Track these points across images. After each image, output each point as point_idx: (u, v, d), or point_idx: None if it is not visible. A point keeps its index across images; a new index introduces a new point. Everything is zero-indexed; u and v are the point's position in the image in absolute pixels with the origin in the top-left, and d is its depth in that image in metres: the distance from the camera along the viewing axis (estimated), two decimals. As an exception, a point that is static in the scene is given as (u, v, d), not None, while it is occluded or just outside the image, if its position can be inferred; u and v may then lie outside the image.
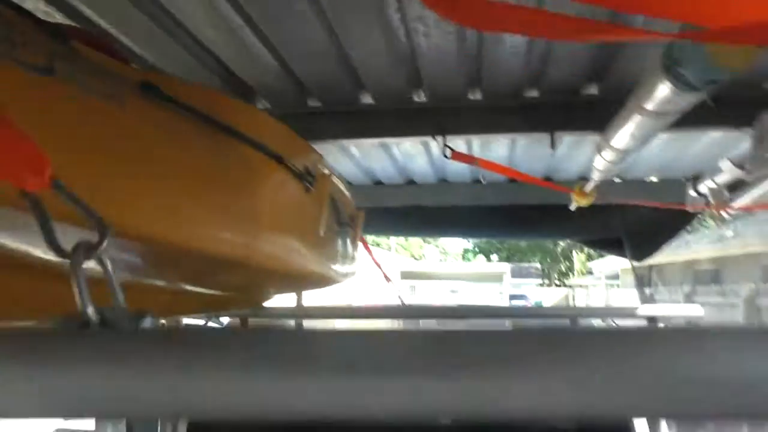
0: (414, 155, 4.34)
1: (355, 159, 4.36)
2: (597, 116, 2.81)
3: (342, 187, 2.65)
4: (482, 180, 4.69)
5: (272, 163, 1.63)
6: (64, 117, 0.87)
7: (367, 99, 3.20)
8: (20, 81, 0.82)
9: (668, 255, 21.18)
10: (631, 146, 2.44)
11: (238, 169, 1.49)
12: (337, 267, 2.61)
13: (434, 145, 3.30)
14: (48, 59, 0.91)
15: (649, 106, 1.96)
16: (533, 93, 3.01)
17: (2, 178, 0.59)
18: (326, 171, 2.19)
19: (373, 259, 4.32)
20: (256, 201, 1.55)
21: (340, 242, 2.61)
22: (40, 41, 0.94)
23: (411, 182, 5.12)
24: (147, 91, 1.16)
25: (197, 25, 2.40)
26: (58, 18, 2.22)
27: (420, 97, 3.17)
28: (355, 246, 3.03)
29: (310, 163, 1.97)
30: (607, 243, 4.81)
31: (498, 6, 0.78)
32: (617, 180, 4.38)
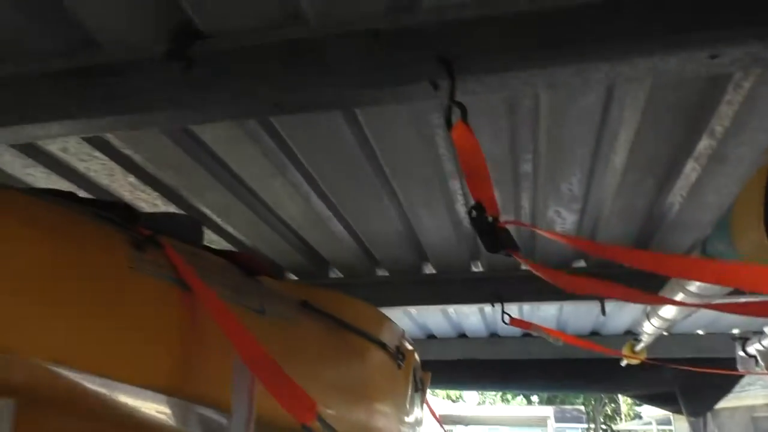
0: (468, 314, 4.66)
1: (411, 316, 4.69)
2: (643, 283, 3.09)
3: (417, 356, 2.93)
4: (532, 334, 4.90)
5: (377, 348, 1.95)
6: (277, 349, 1.21)
7: (429, 269, 3.57)
8: (256, 326, 1.17)
9: (724, 400, 20.10)
10: (678, 316, 2.70)
11: (358, 356, 1.81)
12: (412, 428, 2.82)
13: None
14: (259, 301, 1.27)
15: (692, 288, 2.25)
16: (582, 263, 3.34)
17: (294, 415, 0.90)
18: (410, 347, 2.48)
19: (433, 413, 4.45)
20: (369, 382, 1.84)
21: (416, 405, 2.84)
22: (251, 287, 1.31)
23: (463, 336, 5.38)
24: (306, 307, 1.52)
25: (293, 216, 2.84)
26: (165, 207, 2.66)
27: (478, 267, 3.52)
28: (422, 406, 3.24)
29: (399, 341, 2.28)
30: (660, 397, 4.87)
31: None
32: (665, 333, 4.57)
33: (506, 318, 3.35)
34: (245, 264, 1.44)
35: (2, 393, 0.87)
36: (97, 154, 2.21)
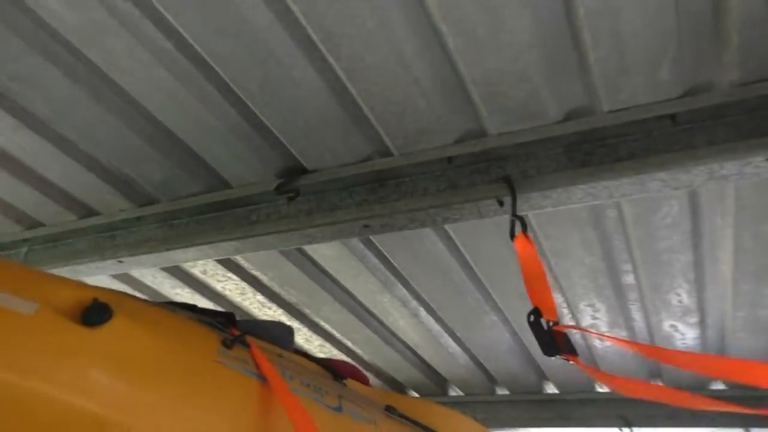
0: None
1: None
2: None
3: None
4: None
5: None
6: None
7: (551, 389, 3.47)
8: (330, 421, 1.31)
9: None
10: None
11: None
12: None
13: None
14: (338, 400, 1.41)
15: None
16: (720, 386, 3.08)
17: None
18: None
19: None
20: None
21: None
22: (332, 387, 1.46)
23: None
24: (389, 412, 1.63)
25: (405, 332, 2.98)
26: (290, 323, 2.91)
27: (603, 387, 3.37)
28: None
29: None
30: None
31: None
32: None
33: (636, 444, 3.13)
34: (332, 368, 1.61)
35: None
36: (231, 275, 2.56)
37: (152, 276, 2.63)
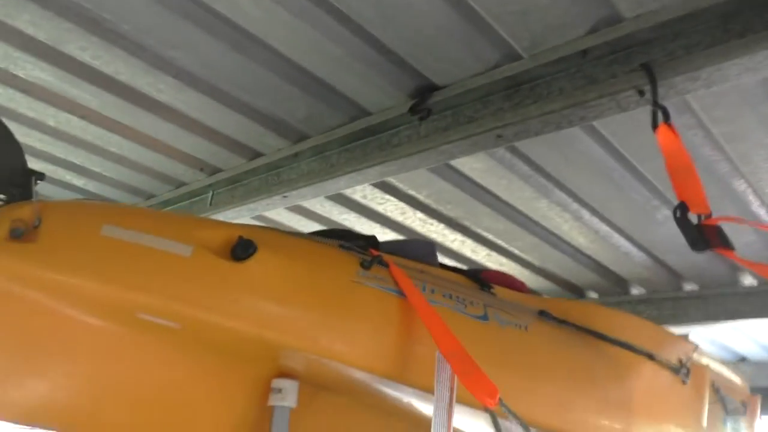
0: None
1: (749, 335, 4.14)
2: None
3: (728, 373, 2.65)
4: None
5: (644, 359, 1.90)
6: (495, 350, 1.38)
7: (749, 280, 3.18)
8: (473, 330, 1.36)
9: None
10: None
11: (614, 367, 1.81)
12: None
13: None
14: (483, 309, 1.46)
15: None
16: None
17: (477, 398, 1.08)
18: (704, 361, 2.30)
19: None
20: (632, 394, 1.82)
21: (727, 428, 2.57)
22: (478, 297, 1.50)
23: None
24: (543, 316, 1.64)
25: (570, 235, 2.89)
26: (453, 236, 2.98)
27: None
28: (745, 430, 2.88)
29: (684, 355, 2.15)
30: None
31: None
32: None
33: None
34: (479, 278, 1.64)
35: (289, 376, 1.26)
36: (389, 197, 2.67)
37: (320, 205, 2.84)
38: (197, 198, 2.82)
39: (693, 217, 1.27)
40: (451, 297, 1.41)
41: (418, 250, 1.57)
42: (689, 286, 3.40)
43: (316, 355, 1.16)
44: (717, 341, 4.40)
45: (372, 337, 1.21)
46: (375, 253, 1.38)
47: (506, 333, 1.47)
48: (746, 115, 1.83)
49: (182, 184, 2.87)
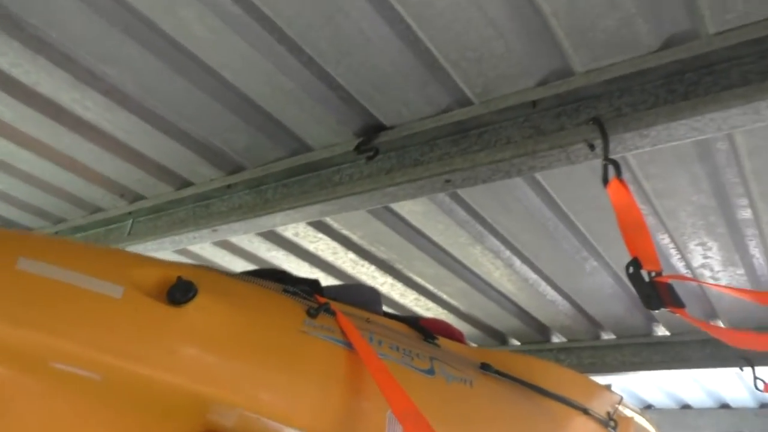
0: (726, 380, 4.12)
1: (660, 383, 4.31)
2: None
3: (647, 424, 2.70)
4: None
5: (579, 413, 1.89)
6: (442, 408, 1.31)
7: (662, 331, 3.30)
8: (420, 385, 1.29)
9: None
10: None
11: (552, 421, 1.79)
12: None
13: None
14: (429, 363, 1.39)
15: None
16: None
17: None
18: (628, 413, 2.33)
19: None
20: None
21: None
22: (423, 349, 1.43)
23: (725, 406, 4.74)
24: (485, 369, 1.59)
25: (500, 282, 2.90)
26: (383, 278, 2.92)
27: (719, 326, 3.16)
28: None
29: (611, 407, 2.17)
30: None
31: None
32: None
33: (760, 384, 2.93)
34: (423, 328, 1.58)
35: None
36: (322, 235, 2.59)
37: (249, 241, 2.71)
38: (114, 226, 2.62)
39: (644, 274, 1.27)
40: (398, 349, 1.34)
41: (363, 297, 1.50)
42: (607, 336, 3.49)
43: (254, 413, 1.05)
44: (626, 389, 4.56)
45: (317, 393, 1.11)
46: (321, 299, 1.29)
47: (453, 389, 1.41)
48: (678, 173, 1.90)
49: (98, 209, 2.66)
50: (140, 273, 1.04)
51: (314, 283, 1.40)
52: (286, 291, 1.27)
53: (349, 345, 1.20)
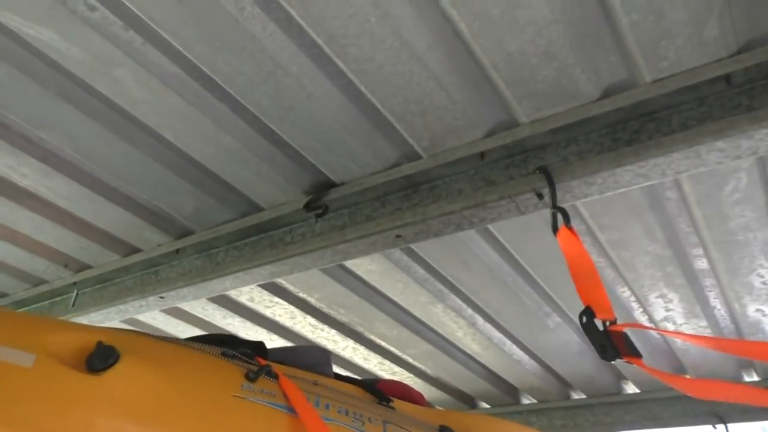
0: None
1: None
2: None
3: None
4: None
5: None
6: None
7: (632, 388, 3.24)
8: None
9: None
10: None
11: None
12: None
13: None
14: (383, 427, 1.30)
15: None
16: (754, 377, 2.80)
17: None
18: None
19: None
20: None
21: None
22: (376, 412, 1.35)
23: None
24: (444, 431, 1.50)
25: (464, 342, 2.83)
26: (344, 343, 2.83)
27: (688, 382, 3.11)
28: None
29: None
30: None
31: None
32: None
33: (732, 442, 2.87)
34: (376, 390, 1.50)
35: None
36: (278, 299, 2.50)
37: (202, 308, 2.61)
38: (59, 298, 2.49)
39: (598, 323, 1.23)
40: (347, 413, 1.25)
41: (310, 359, 1.42)
42: (577, 395, 3.41)
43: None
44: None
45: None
46: (263, 362, 1.21)
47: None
48: (631, 223, 1.90)
49: (42, 281, 2.54)
50: (55, 339, 0.96)
51: (258, 345, 1.32)
52: (224, 354, 1.19)
53: (292, 410, 1.12)
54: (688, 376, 2.91)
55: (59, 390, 0.90)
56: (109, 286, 2.36)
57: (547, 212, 1.61)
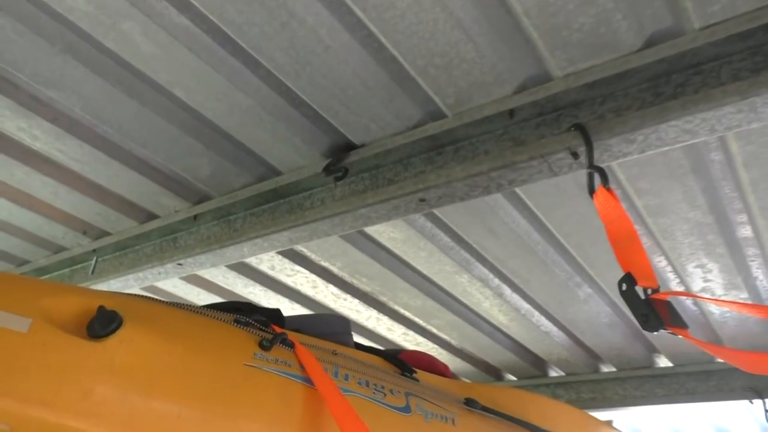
0: (735, 414, 3.93)
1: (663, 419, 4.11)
2: None
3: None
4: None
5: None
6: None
7: (664, 362, 3.13)
8: (393, 425, 1.14)
9: None
10: None
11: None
12: None
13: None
14: (405, 399, 1.23)
15: None
16: None
17: None
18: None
19: None
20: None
21: None
22: (399, 384, 1.28)
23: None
24: (470, 405, 1.43)
25: (491, 313, 2.75)
26: (367, 312, 2.77)
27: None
28: None
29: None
30: None
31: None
32: None
33: (770, 417, 2.75)
34: (399, 362, 1.43)
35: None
36: (299, 268, 2.44)
37: (223, 276, 2.57)
38: (78, 266, 2.47)
39: (639, 291, 1.13)
40: (368, 385, 1.18)
41: (330, 327, 1.35)
42: (607, 368, 3.32)
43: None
44: (629, 425, 4.33)
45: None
46: (278, 330, 1.14)
47: (431, 428, 1.25)
48: (671, 187, 1.78)
49: (61, 249, 2.51)
50: (54, 303, 0.89)
51: (273, 313, 1.25)
52: (237, 322, 1.12)
53: (308, 380, 1.05)
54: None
55: (56, 356, 0.84)
56: (128, 253, 2.32)
57: (579, 175, 1.51)
